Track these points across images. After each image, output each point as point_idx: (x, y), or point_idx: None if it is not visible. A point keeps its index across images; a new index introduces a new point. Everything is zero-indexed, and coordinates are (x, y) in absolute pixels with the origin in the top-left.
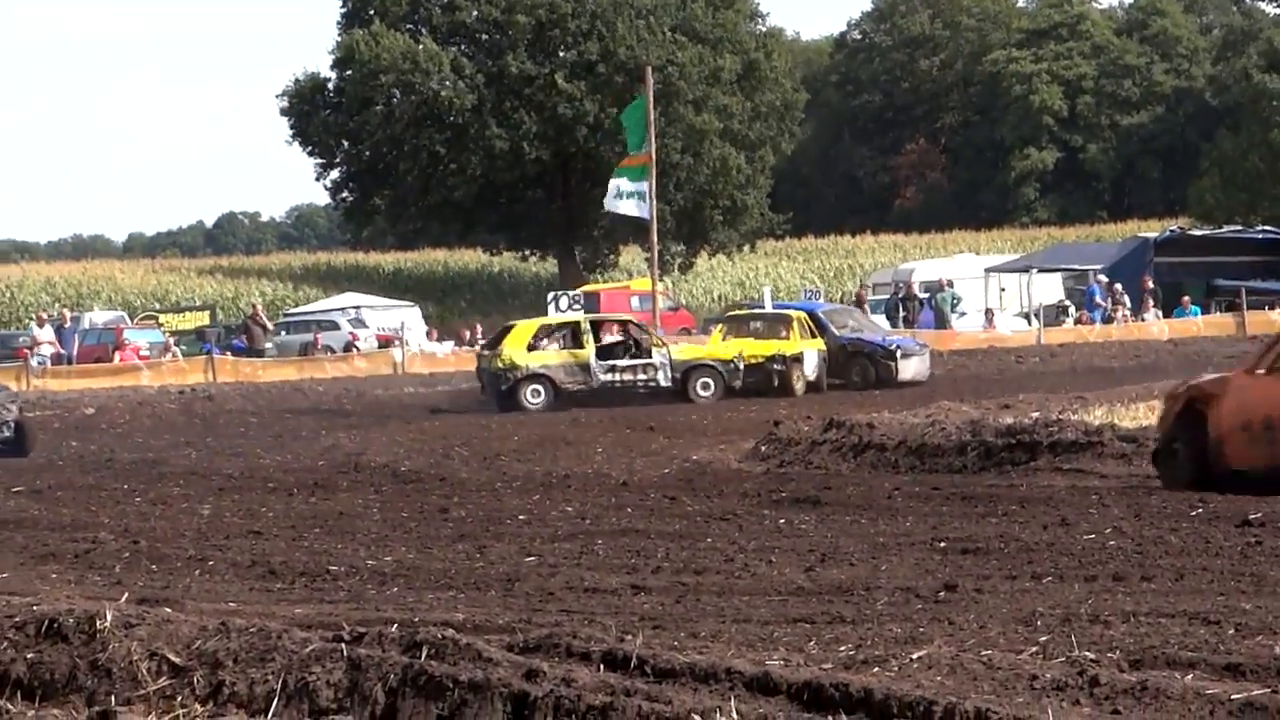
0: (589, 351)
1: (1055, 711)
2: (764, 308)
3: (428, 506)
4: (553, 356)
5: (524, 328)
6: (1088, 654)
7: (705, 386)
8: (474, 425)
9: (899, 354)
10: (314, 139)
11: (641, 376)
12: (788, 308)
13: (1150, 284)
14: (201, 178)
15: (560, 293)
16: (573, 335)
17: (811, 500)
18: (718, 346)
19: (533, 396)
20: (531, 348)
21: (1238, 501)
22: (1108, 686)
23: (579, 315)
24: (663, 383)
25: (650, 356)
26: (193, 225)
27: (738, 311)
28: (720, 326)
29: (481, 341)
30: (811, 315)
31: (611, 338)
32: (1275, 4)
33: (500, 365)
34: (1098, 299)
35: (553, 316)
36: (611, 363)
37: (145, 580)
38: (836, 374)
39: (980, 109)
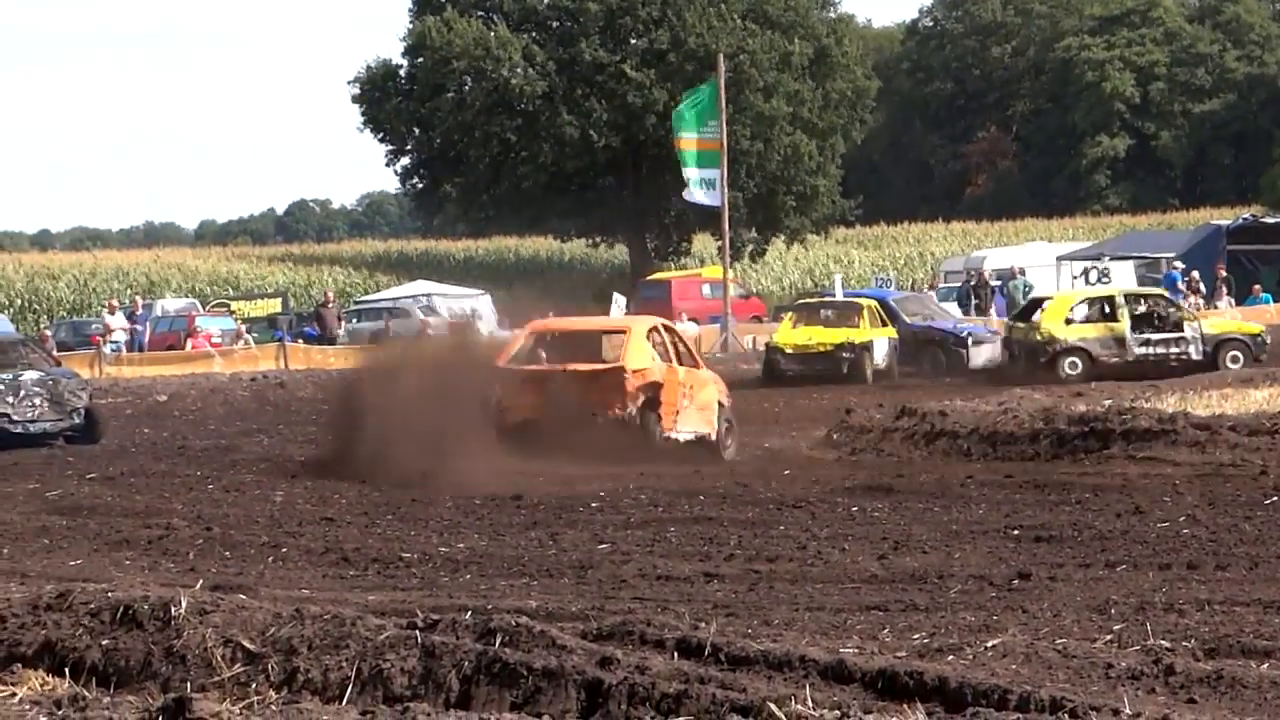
0: (1124, 324)
1: (1131, 700)
2: (835, 295)
3: (499, 494)
4: (1090, 330)
5: (1061, 300)
6: (1163, 642)
7: (1235, 359)
8: None
9: (970, 341)
10: (385, 126)
11: (1174, 350)
12: (859, 295)
13: (1223, 272)
14: (273, 165)
15: (1090, 265)
16: (1106, 308)
17: (884, 488)
18: (1244, 321)
19: (1070, 369)
20: (1069, 321)
21: None
22: (1183, 675)
23: (1113, 288)
24: (1194, 356)
25: (1181, 330)
26: (264, 212)
27: (809, 299)
28: (791, 314)
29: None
30: (882, 303)
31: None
32: None
33: (1038, 338)
34: (1179, 285)
35: (1084, 290)
36: (1146, 335)
37: (219, 567)
38: (907, 361)
39: (1052, 96)
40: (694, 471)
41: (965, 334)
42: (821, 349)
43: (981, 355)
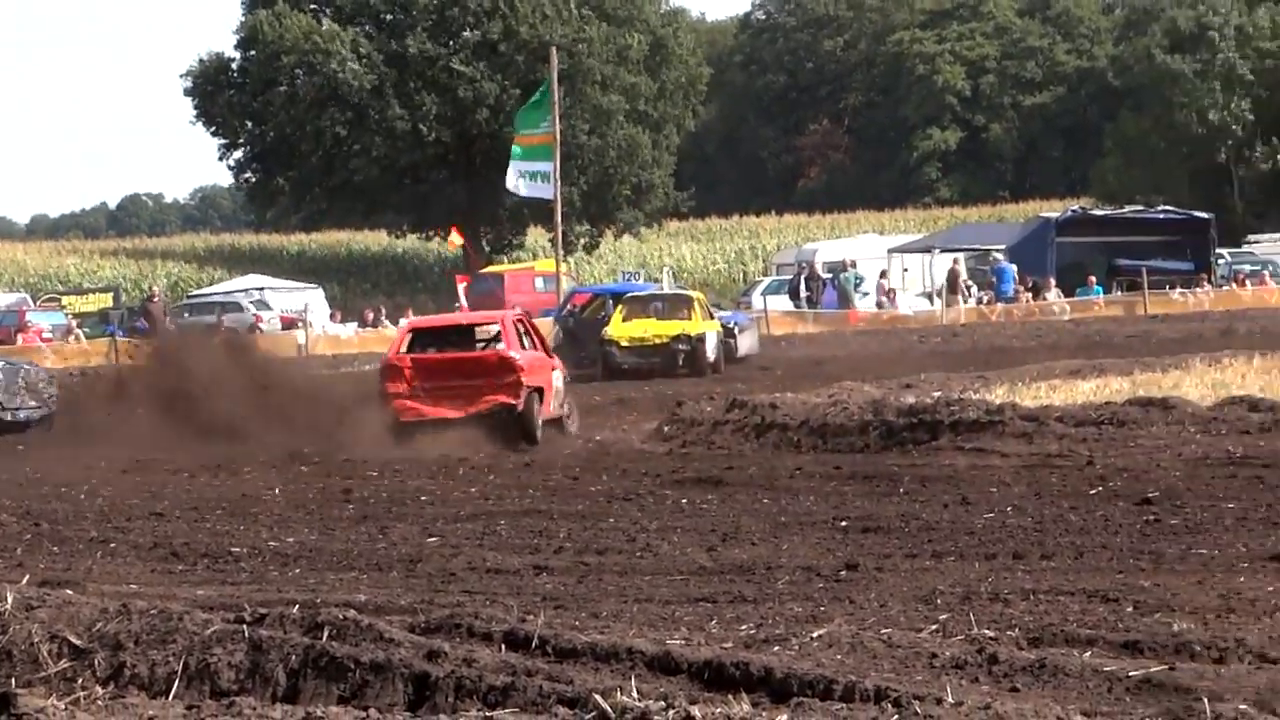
0: None
1: (954, 689)
2: (663, 288)
3: (330, 488)
4: None
5: None
6: (987, 632)
7: None
8: (375, 406)
9: (737, 330)
10: (218, 119)
11: None
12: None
13: (1031, 281)
14: (104, 159)
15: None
16: None
17: (714, 480)
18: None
19: None
20: None
21: (1138, 481)
22: (1006, 664)
23: None
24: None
25: None
26: (96, 207)
27: (639, 293)
28: (620, 307)
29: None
30: None
31: None
32: None
33: None
34: (1014, 283)
35: None
36: None
37: (47, 562)
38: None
39: (884, 89)
40: (525, 464)
41: (731, 323)
42: (658, 341)
43: (745, 343)
